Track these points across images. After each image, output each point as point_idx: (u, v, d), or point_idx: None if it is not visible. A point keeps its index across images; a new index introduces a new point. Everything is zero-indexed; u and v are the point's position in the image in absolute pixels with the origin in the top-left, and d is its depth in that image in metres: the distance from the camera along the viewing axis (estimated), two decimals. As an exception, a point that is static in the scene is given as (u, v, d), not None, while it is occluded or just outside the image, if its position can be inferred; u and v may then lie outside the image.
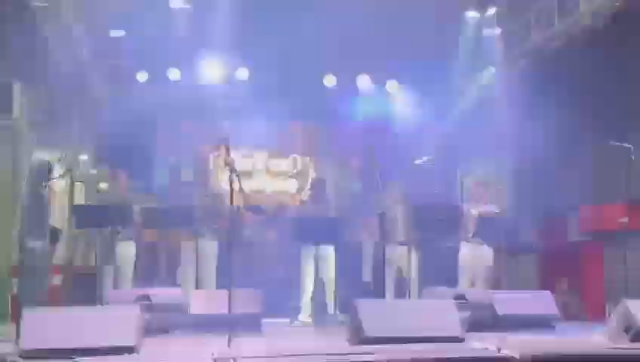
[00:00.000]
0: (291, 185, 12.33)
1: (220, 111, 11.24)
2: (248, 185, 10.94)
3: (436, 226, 7.19)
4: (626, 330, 5.03)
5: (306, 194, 8.44)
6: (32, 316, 4.36)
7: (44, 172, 8.15)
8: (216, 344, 4.79)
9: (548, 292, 7.87)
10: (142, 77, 11.00)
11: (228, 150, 5.39)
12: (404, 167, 12.07)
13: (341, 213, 8.37)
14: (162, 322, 6.04)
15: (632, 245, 8.26)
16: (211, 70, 10.97)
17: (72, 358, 3.63)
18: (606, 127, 8.41)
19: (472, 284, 7.80)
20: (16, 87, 7.14)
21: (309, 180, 8.91)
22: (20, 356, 3.88)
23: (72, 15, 8.03)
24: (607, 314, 8.11)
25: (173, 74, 11.00)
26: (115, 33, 9.36)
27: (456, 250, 8.01)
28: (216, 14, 8.83)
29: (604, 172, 8.29)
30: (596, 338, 5.37)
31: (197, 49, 9.68)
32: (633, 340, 4.93)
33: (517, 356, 4.13)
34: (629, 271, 6.44)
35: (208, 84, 11.04)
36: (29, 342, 4.03)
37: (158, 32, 9.02)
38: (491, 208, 7.90)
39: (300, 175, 12.24)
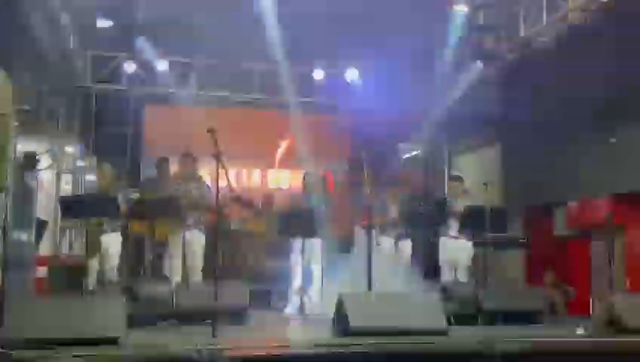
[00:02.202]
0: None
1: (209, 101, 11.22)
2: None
3: (422, 220, 7.21)
4: (610, 323, 5.08)
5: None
6: (17, 306, 4.34)
7: (31, 163, 8.09)
8: (202, 335, 4.79)
9: (534, 287, 7.93)
10: (129, 67, 10.92)
11: (215, 141, 5.36)
12: (394, 161, 12.11)
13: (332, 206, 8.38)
14: (148, 314, 6.02)
15: (617, 240, 8.33)
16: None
17: (54, 348, 3.62)
18: (593, 122, 8.45)
19: (455, 278, 7.82)
20: (1, 76, 7.05)
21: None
22: (5, 346, 3.85)
23: (58, 2, 7.95)
24: (592, 309, 8.18)
25: (162, 64, 10.94)
26: (102, 23, 9.27)
27: (437, 245, 8.03)
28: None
29: (590, 167, 8.34)
30: (581, 332, 5.42)
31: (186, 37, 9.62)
32: (617, 333, 4.98)
33: (501, 350, 4.16)
34: (613, 265, 6.49)
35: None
36: (14, 332, 4.01)
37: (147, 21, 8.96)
38: (468, 202, 7.93)
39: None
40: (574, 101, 8.78)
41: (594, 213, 9.09)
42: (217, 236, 6.69)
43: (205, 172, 8.22)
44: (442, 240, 7.93)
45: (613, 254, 6.57)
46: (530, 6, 8.68)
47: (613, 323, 5.06)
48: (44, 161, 8.70)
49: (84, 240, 6.99)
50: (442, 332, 4.74)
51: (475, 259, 7.81)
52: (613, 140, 6.20)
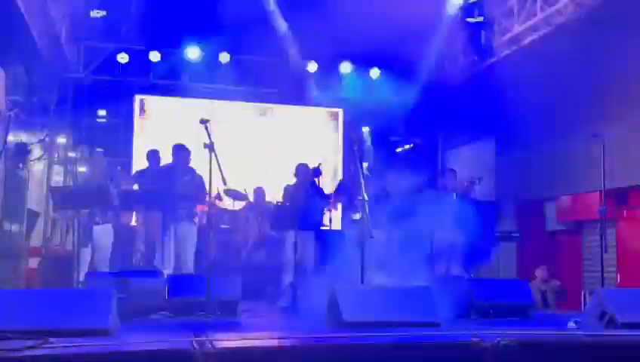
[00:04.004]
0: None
1: (201, 92, 11.19)
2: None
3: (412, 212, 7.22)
4: (601, 317, 5.10)
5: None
6: (6, 296, 4.32)
7: (22, 154, 8.05)
8: (194, 328, 4.77)
9: (525, 281, 7.95)
10: (122, 58, 10.87)
11: (208, 132, 5.34)
12: (387, 155, 12.11)
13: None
14: (140, 306, 6.00)
15: (608, 234, 8.37)
16: (192, 53, 10.88)
17: (45, 339, 3.60)
18: (586, 116, 8.47)
19: (448, 270, 7.83)
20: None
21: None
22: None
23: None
24: (583, 302, 8.21)
25: (154, 55, 10.88)
26: (95, 14, 9.22)
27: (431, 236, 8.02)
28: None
29: (581, 162, 8.37)
30: (572, 325, 5.44)
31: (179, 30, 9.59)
32: (607, 327, 5.00)
33: (492, 342, 4.17)
34: (605, 259, 6.51)
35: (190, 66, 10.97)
36: (3, 322, 3.99)
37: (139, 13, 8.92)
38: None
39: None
40: (567, 96, 8.80)
41: (585, 208, 9.13)
42: (210, 228, 6.68)
43: (198, 164, 8.20)
44: (436, 232, 7.93)
45: (605, 249, 6.59)
46: (524, 0, 8.68)
47: (604, 317, 5.09)
48: (36, 152, 8.66)
49: (75, 231, 6.94)
50: (435, 325, 4.74)
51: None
52: (606, 135, 6.20)
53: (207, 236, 7.13)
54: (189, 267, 7.36)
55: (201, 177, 7.46)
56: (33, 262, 8.20)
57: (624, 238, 8.82)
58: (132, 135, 11.44)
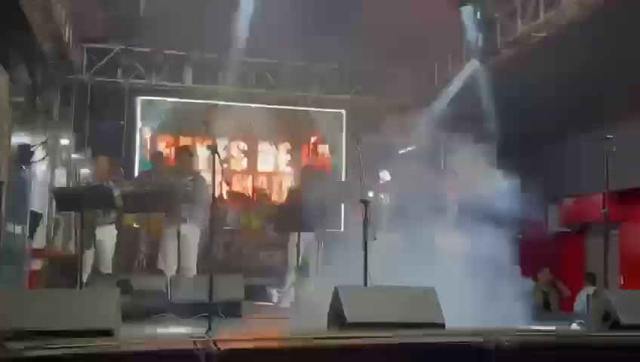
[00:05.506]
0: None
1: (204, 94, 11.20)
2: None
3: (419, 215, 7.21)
4: (604, 319, 5.08)
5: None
6: (9, 298, 4.32)
7: (25, 155, 8.07)
8: (197, 329, 4.77)
9: (527, 282, 7.94)
10: (125, 60, 10.88)
11: (211, 134, 5.34)
12: (389, 157, 12.09)
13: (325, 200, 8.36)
14: (143, 307, 6.01)
15: (612, 236, 8.35)
16: (196, 54, 10.90)
17: (48, 339, 3.60)
18: (589, 117, 8.46)
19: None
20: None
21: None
22: (-1, 337, 3.84)
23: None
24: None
25: (157, 57, 10.90)
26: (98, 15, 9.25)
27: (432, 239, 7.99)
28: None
29: (585, 163, 8.35)
30: (575, 326, 5.43)
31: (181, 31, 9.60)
32: (611, 328, 4.99)
33: (495, 343, 4.16)
34: (608, 261, 6.49)
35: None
36: (5, 324, 3.99)
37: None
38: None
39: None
40: (571, 97, 8.78)
41: (588, 210, 9.10)
42: (213, 230, 6.67)
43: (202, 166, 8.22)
44: (438, 233, 7.91)
45: (608, 250, 6.57)
46: (527, 0, 8.66)
47: (608, 319, 5.07)
48: (39, 154, 8.68)
49: (78, 232, 6.95)
50: (438, 326, 4.73)
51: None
52: (609, 137, 6.18)
53: (209, 237, 7.12)
54: (191, 268, 7.37)
55: (203, 179, 7.47)
56: (36, 264, 8.21)
57: (628, 240, 8.80)
58: (135, 136, 11.45)
